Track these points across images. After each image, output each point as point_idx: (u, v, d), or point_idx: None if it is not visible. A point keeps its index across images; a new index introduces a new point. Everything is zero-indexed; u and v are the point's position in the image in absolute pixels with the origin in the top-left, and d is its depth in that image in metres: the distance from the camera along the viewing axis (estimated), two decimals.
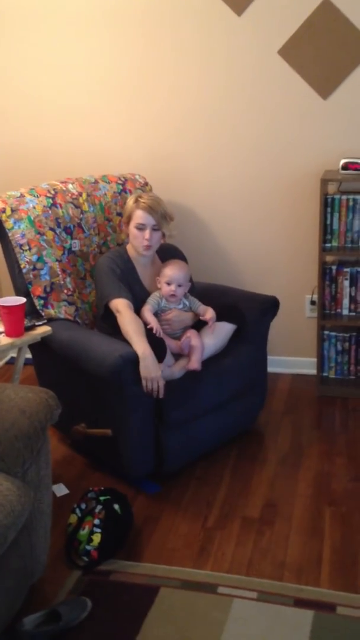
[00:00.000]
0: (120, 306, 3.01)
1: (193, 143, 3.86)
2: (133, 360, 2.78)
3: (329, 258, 3.74)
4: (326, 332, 3.80)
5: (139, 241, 3.14)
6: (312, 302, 3.90)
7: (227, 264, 4.00)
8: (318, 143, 3.69)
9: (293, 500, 2.90)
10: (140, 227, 3.12)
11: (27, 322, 3.02)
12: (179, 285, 3.13)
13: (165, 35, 3.72)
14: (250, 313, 3.28)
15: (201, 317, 3.18)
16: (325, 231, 3.61)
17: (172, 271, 3.15)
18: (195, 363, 3.03)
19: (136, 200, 3.16)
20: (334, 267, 3.70)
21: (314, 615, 2.26)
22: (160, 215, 3.15)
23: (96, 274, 3.20)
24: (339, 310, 3.75)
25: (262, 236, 3.93)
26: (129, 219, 3.16)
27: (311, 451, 3.29)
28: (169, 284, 3.12)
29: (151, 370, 2.81)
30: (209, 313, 3.17)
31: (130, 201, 3.20)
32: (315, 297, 3.78)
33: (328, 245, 3.64)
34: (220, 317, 3.20)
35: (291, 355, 4.07)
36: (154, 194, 3.34)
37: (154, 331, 2.99)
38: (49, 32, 3.86)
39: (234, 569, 2.51)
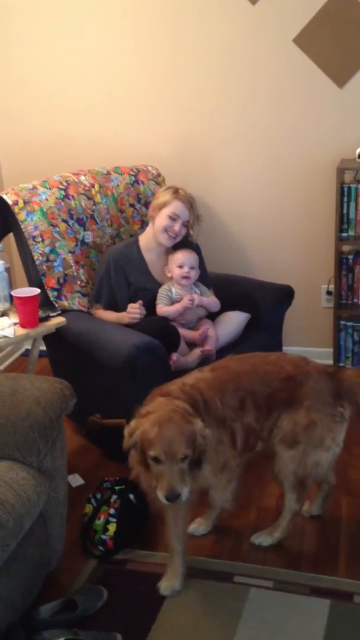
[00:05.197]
0: (93, 309, 3.26)
1: (206, 133, 3.84)
2: (147, 349, 2.78)
3: (345, 247, 3.71)
4: (342, 322, 3.77)
5: (166, 229, 3.15)
6: (329, 292, 3.87)
7: (242, 255, 3.98)
8: (334, 132, 3.65)
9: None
10: (174, 217, 3.13)
11: (41, 313, 3.02)
12: (191, 268, 3.14)
13: (179, 26, 3.70)
14: (264, 302, 3.28)
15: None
16: (342, 220, 3.58)
17: (182, 254, 3.18)
18: (210, 347, 3.05)
19: (176, 192, 3.18)
20: (350, 257, 3.66)
21: (330, 604, 2.25)
22: (195, 214, 3.20)
23: (97, 267, 3.27)
24: (355, 300, 3.72)
25: (277, 226, 3.90)
26: (164, 205, 3.16)
27: None
28: (181, 267, 3.13)
29: (123, 317, 3.09)
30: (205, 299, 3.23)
31: (167, 192, 3.20)
32: (332, 287, 3.75)
33: (345, 234, 3.61)
34: (233, 306, 3.21)
35: (307, 345, 4.04)
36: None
37: (193, 303, 3.10)
38: (61, 25, 3.85)
39: (250, 558, 2.51)
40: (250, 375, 2.42)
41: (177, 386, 2.31)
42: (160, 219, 3.16)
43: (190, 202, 3.18)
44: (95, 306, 3.26)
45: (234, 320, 3.22)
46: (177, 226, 3.15)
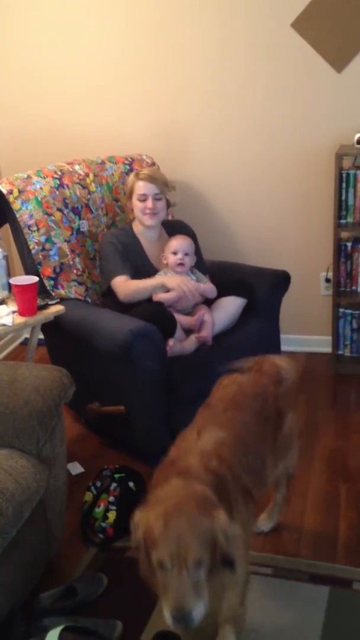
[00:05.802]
0: (117, 283, 3.10)
1: (203, 119, 3.82)
2: (143, 334, 2.78)
3: (344, 234, 3.70)
4: (341, 310, 3.76)
5: (142, 212, 3.16)
6: (327, 280, 3.86)
7: (240, 242, 3.97)
8: (332, 117, 3.63)
9: (308, 477, 2.89)
10: (143, 198, 3.15)
11: (40, 301, 3.01)
12: (186, 254, 3.14)
13: (174, 11, 3.67)
14: (260, 287, 3.28)
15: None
16: (341, 207, 3.56)
17: (176, 241, 3.19)
18: (205, 333, 3.04)
19: (136, 174, 3.23)
20: (349, 244, 3.65)
21: (329, 591, 2.26)
22: (162, 183, 3.20)
23: (101, 253, 3.23)
24: (354, 287, 3.72)
25: (276, 213, 3.89)
26: (131, 192, 3.21)
27: (326, 429, 3.27)
28: (175, 253, 3.13)
29: (173, 279, 3.02)
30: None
31: (130, 177, 3.26)
32: (330, 274, 3.75)
33: (343, 221, 3.60)
34: (229, 292, 3.21)
35: (306, 333, 4.04)
36: (152, 167, 3.36)
37: (186, 289, 3.07)
38: (57, 10, 3.82)
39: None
40: (258, 419, 2.06)
41: (197, 460, 1.78)
42: (135, 207, 3.20)
43: (150, 176, 3.19)
44: (118, 279, 3.12)
45: (231, 306, 3.22)
46: (149, 203, 3.16)
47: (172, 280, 3.06)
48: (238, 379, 2.22)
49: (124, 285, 3.11)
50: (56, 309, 3.04)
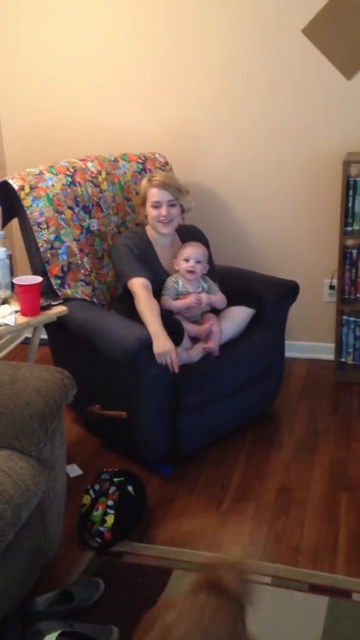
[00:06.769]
0: (136, 287, 3.00)
1: (213, 122, 3.80)
2: (150, 343, 2.75)
3: (349, 242, 3.67)
4: (345, 317, 3.74)
5: (157, 219, 3.11)
6: (331, 287, 3.84)
7: (246, 247, 3.96)
8: (341, 124, 3.62)
9: (308, 485, 2.88)
10: (156, 205, 3.10)
11: (43, 302, 2.99)
12: (198, 262, 3.11)
13: (188, 12, 3.66)
14: (269, 297, 3.25)
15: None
16: (347, 214, 3.55)
17: (189, 248, 3.15)
18: (213, 344, 3.01)
19: (149, 180, 3.16)
20: (354, 251, 3.64)
21: (329, 602, 2.24)
22: (175, 189, 3.14)
23: (114, 254, 3.18)
24: (358, 295, 3.70)
25: (281, 219, 3.88)
26: (144, 199, 3.16)
27: (327, 436, 3.26)
28: (187, 260, 3.10)
29: (161, 346, 2.77)
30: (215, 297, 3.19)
31: (143, 182, 3.20)
32: (335, 281, 3.73)
33: (349, 228, 3.58)
34: (238, 301, 3.17)
35: (309, 340, 4.02)
36: (165, 172, 3.31)
37: (200, 303, 3.06)
38: (66, 8, 3.80)
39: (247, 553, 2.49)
40: None
41: None
42: (149, 214, 3.14)
43: (164, 183, 3.12)
44: (137, 281, 2.99)
45: (239, 316, 3.18)
46: (163, 210, 3.10)
47: (157, 346, 2.77)
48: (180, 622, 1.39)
49: (143, 297, 2.95)
50: (59, 309, 3.02)
